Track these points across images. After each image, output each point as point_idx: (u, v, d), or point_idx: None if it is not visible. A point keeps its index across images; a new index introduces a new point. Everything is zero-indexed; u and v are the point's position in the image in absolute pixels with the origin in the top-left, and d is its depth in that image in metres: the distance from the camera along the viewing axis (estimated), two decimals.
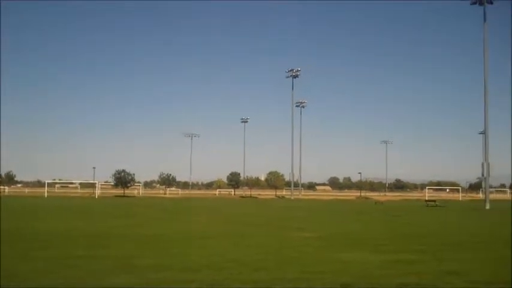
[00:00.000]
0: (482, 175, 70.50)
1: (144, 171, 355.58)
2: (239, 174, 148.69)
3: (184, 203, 66.99)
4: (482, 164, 68.94)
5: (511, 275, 11.98)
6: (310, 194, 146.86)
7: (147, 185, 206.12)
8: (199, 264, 13.22)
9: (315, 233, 23.31)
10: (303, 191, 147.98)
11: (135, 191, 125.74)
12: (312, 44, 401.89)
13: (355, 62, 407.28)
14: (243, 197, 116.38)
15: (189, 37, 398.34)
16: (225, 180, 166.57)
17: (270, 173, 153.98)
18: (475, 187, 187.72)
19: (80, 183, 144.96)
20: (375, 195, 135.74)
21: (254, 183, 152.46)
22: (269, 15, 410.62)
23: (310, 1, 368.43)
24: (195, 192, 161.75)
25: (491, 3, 68.52)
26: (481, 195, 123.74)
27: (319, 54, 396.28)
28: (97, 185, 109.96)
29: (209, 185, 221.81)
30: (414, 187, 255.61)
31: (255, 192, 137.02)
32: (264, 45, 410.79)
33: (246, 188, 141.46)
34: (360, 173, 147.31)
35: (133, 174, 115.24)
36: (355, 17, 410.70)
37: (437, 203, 69.28)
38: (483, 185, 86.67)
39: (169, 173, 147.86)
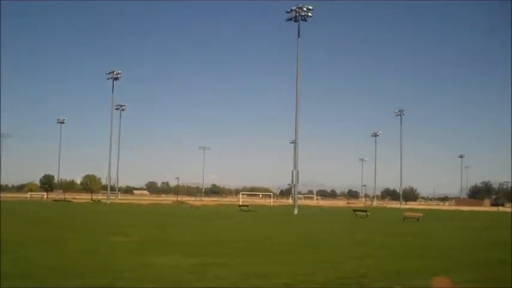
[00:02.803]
0: (292, 182, 75.42)
1: None
2: (53, 176, 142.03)
3: None
4: (292, 172, 73.84)
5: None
6: (127, 198, 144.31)
7: None
8: (5, 273, 12.69)
9: (129, 237, 23.50)
10: (119, 195, 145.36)
11: None
12: (132, 47, 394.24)
13: (174, 68, 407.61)
14: (56, 200, 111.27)
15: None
16: (37, 182, 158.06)
17: (86, 176, 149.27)
18: (285, 193, 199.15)
19: None
20: (191, 200, 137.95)
21: (69, 186, 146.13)
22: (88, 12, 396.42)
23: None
24: (4, 195, 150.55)
25: (306, 20, 73.78)
26: (290, 201, 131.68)
27: (139, 58, 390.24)
28: None
29: (20, 188, 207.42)
30: (229, 192, 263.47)
31: (69, 196, 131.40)
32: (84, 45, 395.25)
33: (60, 191, 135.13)
34: (177, 178, 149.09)
35: None
36: (185, 18, 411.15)
37: (249, 208, 72.47)
38: (292, 191, 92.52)
39: None
